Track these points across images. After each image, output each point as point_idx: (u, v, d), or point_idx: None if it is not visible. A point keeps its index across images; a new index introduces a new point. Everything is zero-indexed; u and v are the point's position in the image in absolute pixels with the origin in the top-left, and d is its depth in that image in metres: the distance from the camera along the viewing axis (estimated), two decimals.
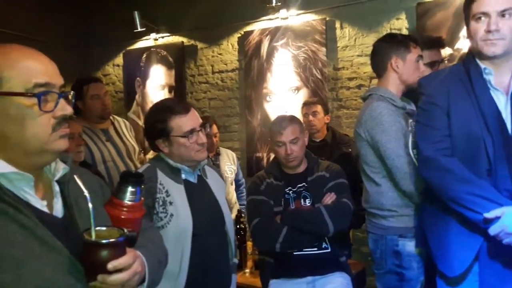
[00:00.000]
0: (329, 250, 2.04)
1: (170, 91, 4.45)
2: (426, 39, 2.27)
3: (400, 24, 3.31)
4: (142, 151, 4.53)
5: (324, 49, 3.56)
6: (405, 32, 3.26)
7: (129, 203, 1.11)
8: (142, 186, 1.15)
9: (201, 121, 1.74)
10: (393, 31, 3.30)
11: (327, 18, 3.57)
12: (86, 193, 0.93)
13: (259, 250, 2.27)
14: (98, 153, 2.67)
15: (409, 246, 1.85)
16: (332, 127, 3.19)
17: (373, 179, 1.90)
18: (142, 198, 1.15)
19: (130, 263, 0.93)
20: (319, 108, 3.07)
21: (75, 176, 0.98)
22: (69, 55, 4.74)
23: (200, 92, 4.32)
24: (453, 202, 1.49)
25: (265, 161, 3.90)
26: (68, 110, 0.93)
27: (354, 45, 3.49)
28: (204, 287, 1.67)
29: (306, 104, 3.16)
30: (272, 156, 3.82)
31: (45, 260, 0.85)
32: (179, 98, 4.19)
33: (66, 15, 4.73)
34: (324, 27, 3.55)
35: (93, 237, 0.90)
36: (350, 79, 3.52)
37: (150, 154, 4.51)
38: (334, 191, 2.05)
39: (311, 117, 3.06)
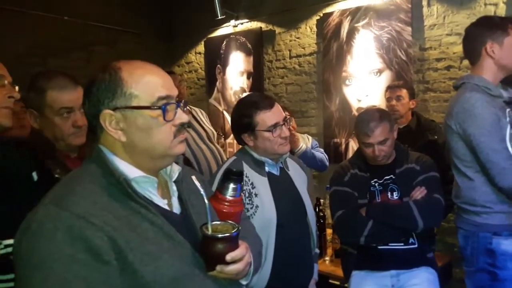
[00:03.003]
0: (416, 246, 1.97)
1: (248, 77, 4.52)
2: None
3: None
4: (223, 136, 4.71)
5: (409, 28, 3.36)
6: (502, 6, 2.96)
7: (231, 198, 1.22)
8: (242, 183, 1.23)
9: (284, 115, 1.77)
10: (488, 7, 3.01)
11: None
12: (202, 191, 1.04)
13: (342, 241, 2.26)
14: None
15: (504, 244, 1.74)
16: (417, 112, 3.03)
17: (465, 174, 1.80)
18: (242, 194, 1.23)
19: (244, 254, 1.03)
20: (403, 92, 2.92)
21: (193, 177, 1.09)
22: (157, 44, 5.03)
23: (277, 78, 4.34)
24: None
25: (343, 147, 3.84)
26: (184, 118, 1.02)
27: (443, 23, 3.25)
28: (288, 276, 1.73)
29: (390, 88, 3.02)
30: (351, 142, 3.79)
31: (173, 253, 0.95)
32: (263, 92, 4.25)
33: (155, 7, 5.01)
34: (409, 5, 3.34)
35: (210, 231, 0.99)
36: (438, 60, 3.30)
37: (230, 139, 4.67)
38: (424, 185, 1.96)
39: (394, 102, 2.93)
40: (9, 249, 1.14)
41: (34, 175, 1.35)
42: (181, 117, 1.01)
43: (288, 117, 1.78)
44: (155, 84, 0.98)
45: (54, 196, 0.92)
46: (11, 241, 1.13)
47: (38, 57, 4.10)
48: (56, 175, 1.43)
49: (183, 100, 1.05)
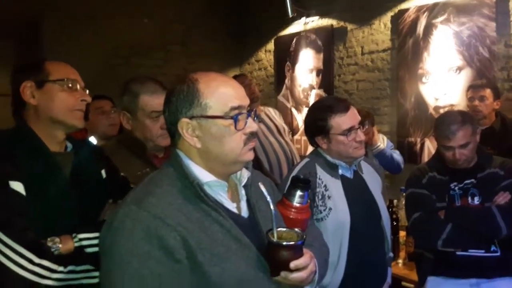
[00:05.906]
0: (498, 254, 1.86)
1: (318, 75, 4.50)
2: None
3: None
4: (291, 132, 4.75)
5: (493, 24, 3.14)
6: None
7: (297, 205, 1.25)
8: (309, 190, 1.26)
9: (359, 118, 1.76)
10: None
11: None
12: (268, 198, 1.08)
13: (418, 245, 2.19)
14: None
15: None
16: (502, 113, 2.84)
17: None
18: (309, 201, 1.26)
19: (308, 263, 1.05)
20: (487, 92, 2.75)
21: (260, 184, 1.12)
22: (228, 43, 5.18)
23: (348, 74, 4.28)
24: None
25: (418, 147, 3.70)
26: (254, 126, 1.08)
27: None
28: (362, 279, 1.73)
29: (472, 87, 2.86)
30: (427, 141, 3.64)
31: (240, 256, 1.01)
32: (338, 95, 4.24)
33: (226, 7, 5.16)
34: (494, 0, 3.13)
35: (275, 238, 1.03)
36: None
37: (298, 135, 4.70)
38: (509, 190, 1.85)
39: (477, 102, 2.77)
40: (83, 242, 1.23)
41: (103, 173, 1.46)
42: (251, 126, 1.07)
43: (366, 121, 1.75)
44: (228, 95, 1.04)
45: (135, 196, 1.00)
46: (85, 235, 1.24)
47: (122, 57, 4.41)
48: (122, 174, 1.53)
49: (254, 110, 1.10)
